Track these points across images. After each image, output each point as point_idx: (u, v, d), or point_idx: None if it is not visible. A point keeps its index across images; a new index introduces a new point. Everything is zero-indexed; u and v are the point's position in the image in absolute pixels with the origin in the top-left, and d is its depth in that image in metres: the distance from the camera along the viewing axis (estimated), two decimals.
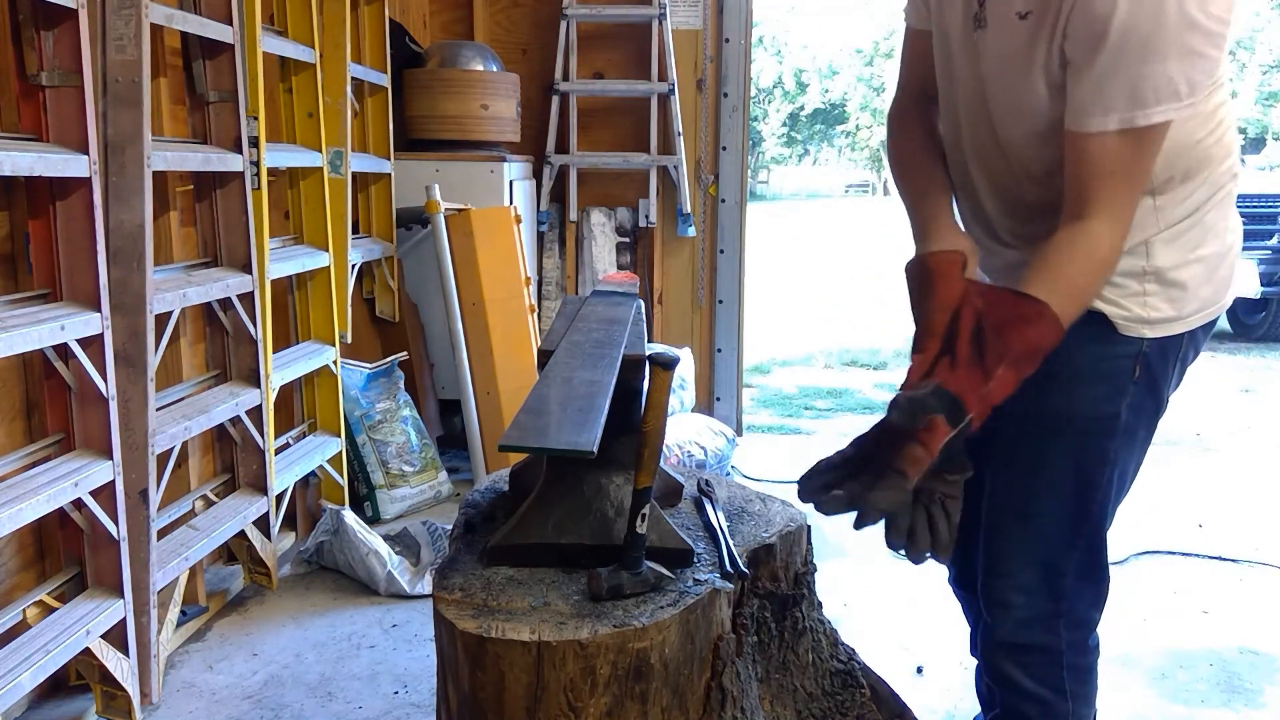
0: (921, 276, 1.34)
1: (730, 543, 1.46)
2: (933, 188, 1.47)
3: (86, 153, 1.94)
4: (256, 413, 2.67)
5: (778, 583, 1.54)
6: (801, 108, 42.02)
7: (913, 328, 1.35)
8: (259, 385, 2.67)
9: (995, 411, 1.31)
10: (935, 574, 3.11)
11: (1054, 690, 1.51)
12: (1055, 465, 1.46)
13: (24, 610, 2.01)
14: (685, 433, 3.66)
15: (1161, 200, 1.37)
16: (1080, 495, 1.45)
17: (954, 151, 1.52)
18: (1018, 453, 1.48)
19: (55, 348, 1.97)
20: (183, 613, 2.53)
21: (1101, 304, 1.38)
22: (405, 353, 3.79)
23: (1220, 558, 3.23)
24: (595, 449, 1.16)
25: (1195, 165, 1.36)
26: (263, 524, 2.75)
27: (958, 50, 1.42)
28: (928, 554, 1.29)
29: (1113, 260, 1.29)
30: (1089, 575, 1.51)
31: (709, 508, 1.61)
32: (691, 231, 4.37)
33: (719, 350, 4.50)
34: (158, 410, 2.26)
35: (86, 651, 2.02)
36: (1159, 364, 1.41)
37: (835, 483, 1.26)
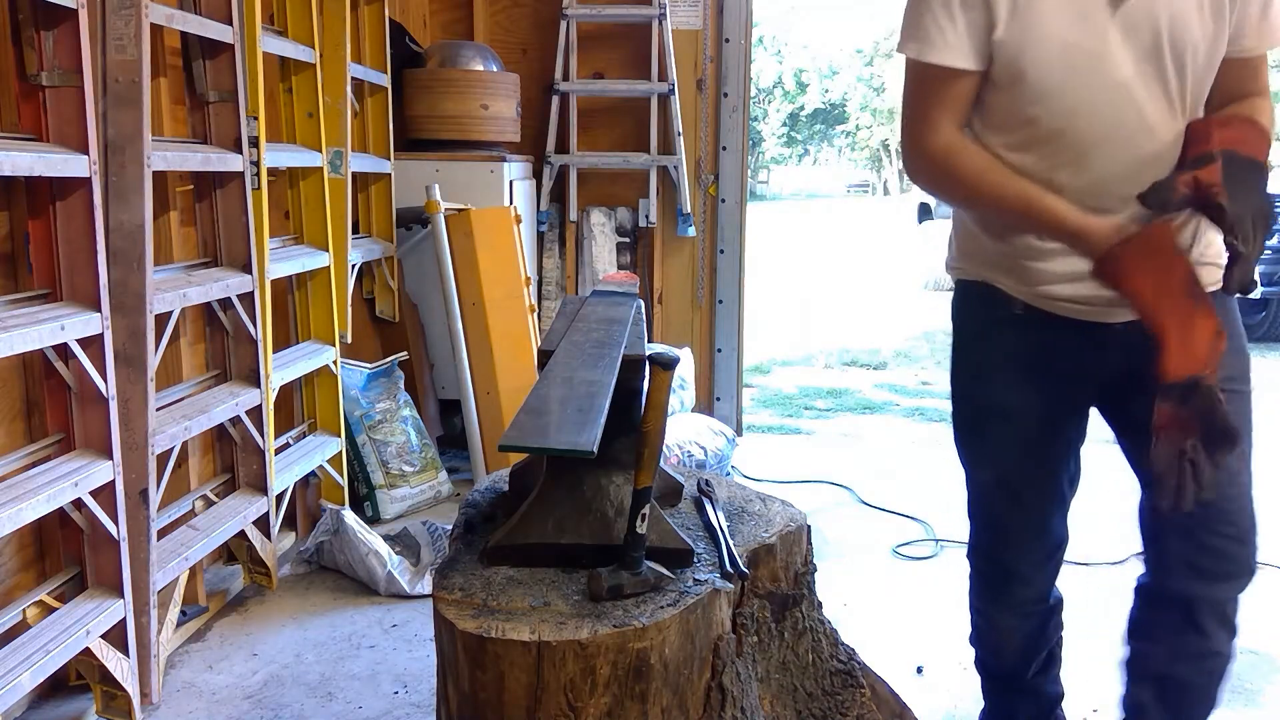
0: (1147, 252, 1.44)
1: (730, 543, 1.46)
2: (1033, 186, 1.54)
3: (86, 153, 1.94)
4: (256, 413, 2.67)
5: (778, 583, 1.54)
6: (801, 108, 42.03)
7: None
8: (259, 385, 2.67)
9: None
10: (935, 574, 3.12)
11: (1230, 623, 1.72)
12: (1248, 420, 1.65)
13: (24, 610, 2.01)
14: (685, 433, 3.66)
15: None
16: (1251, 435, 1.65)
17: (1077, 176, 1.54)
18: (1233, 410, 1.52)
19: (55, 348, 1.97)
20: (183, 613, 2.53)
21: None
22: (405, 353, 3.79)
23: None
24: (595, 449, 1.16)
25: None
26: (263, 524, 2.75)
27: (1095, 44, 1.47)
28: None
29: None
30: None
31: (709, 508, 1.61)
32: (691, 231, 4.37)
33: (719, 350, 4.50)
34: (158, 410, 2.26)
35: (86, 651, 2.02)
36: None
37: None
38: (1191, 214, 1.49)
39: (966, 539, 1.88)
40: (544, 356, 1.51)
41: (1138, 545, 3.45)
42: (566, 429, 1.22)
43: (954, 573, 3.10)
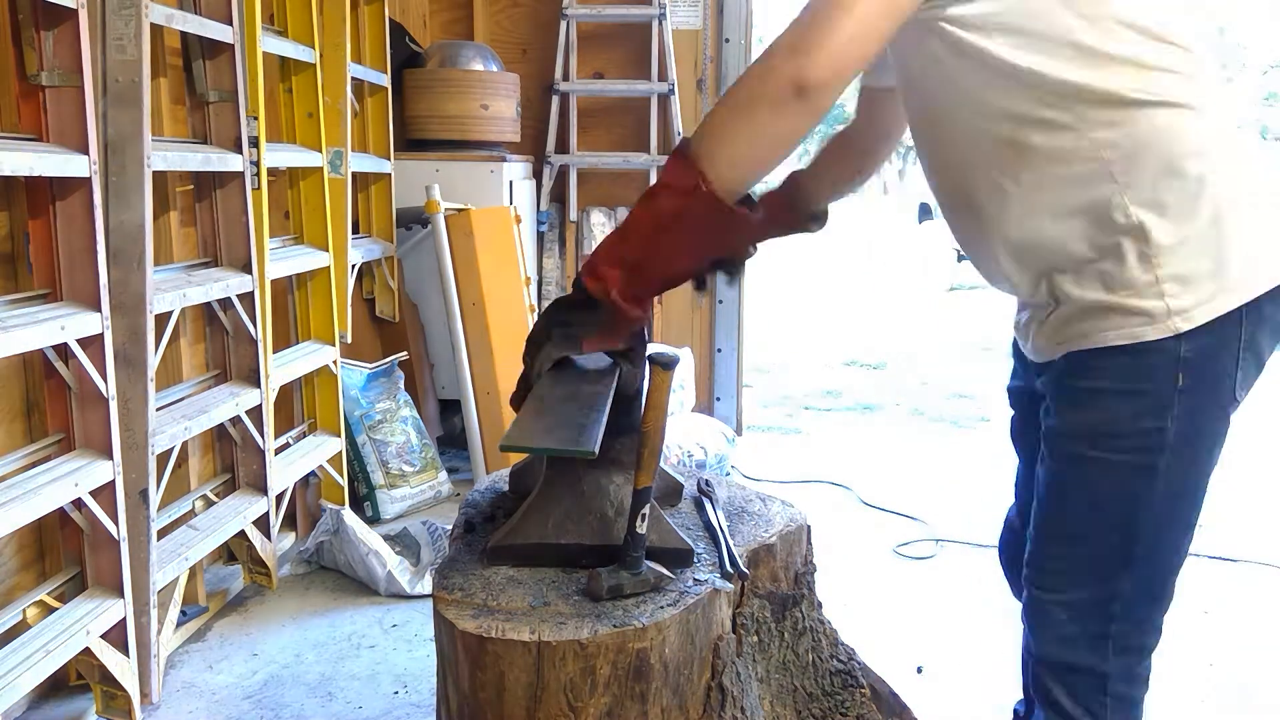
0: None
1: (730, 543, 1.46)
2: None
3: (86, 153, 1.94)
4: (256, 413, 2.67)
5: (778, 583, 1.54)
6: None
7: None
8: (259, 385, 2.67)
9: (1045, 429, 1.31)
10: (935, 574, 3.12)
11: (1094, 716, 1.37)
12: (1098, 485, 1.30)
13: (24, 610, 2.01)
14: (685, 433, 3.66)
15: (1116, 164, 1.20)
16: (1128, 517, 1.30)
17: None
18: (1060, 471, 1.34)
19: (55, 348, 1.97)
20: (183, 613, 2.53)
21: (1116, 319, 1.22)
22: (405, 353, 3.79)
23: (1220, 558, 3.23)
24: (596, 449, 1.16)
25: (1119, 103, 1.18)
26: (263, 524, 2.75)
27: None
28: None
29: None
30: (1143, 599, 1.35)
31: (709, 508, 1.61)
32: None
33: (719, 350, 4.50)
34: (158, 410, 2.26)
35: (86, 651, 2.02)
36: (1207, 362, 1.21)
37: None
38: None
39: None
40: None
41: None
42: (567, 429, 1.22)
43: (954, 573, 3.10)
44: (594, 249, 1.26)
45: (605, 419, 1.25)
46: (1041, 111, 1.20)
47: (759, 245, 1.58)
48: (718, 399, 4.53)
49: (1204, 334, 1.20)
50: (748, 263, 1.57)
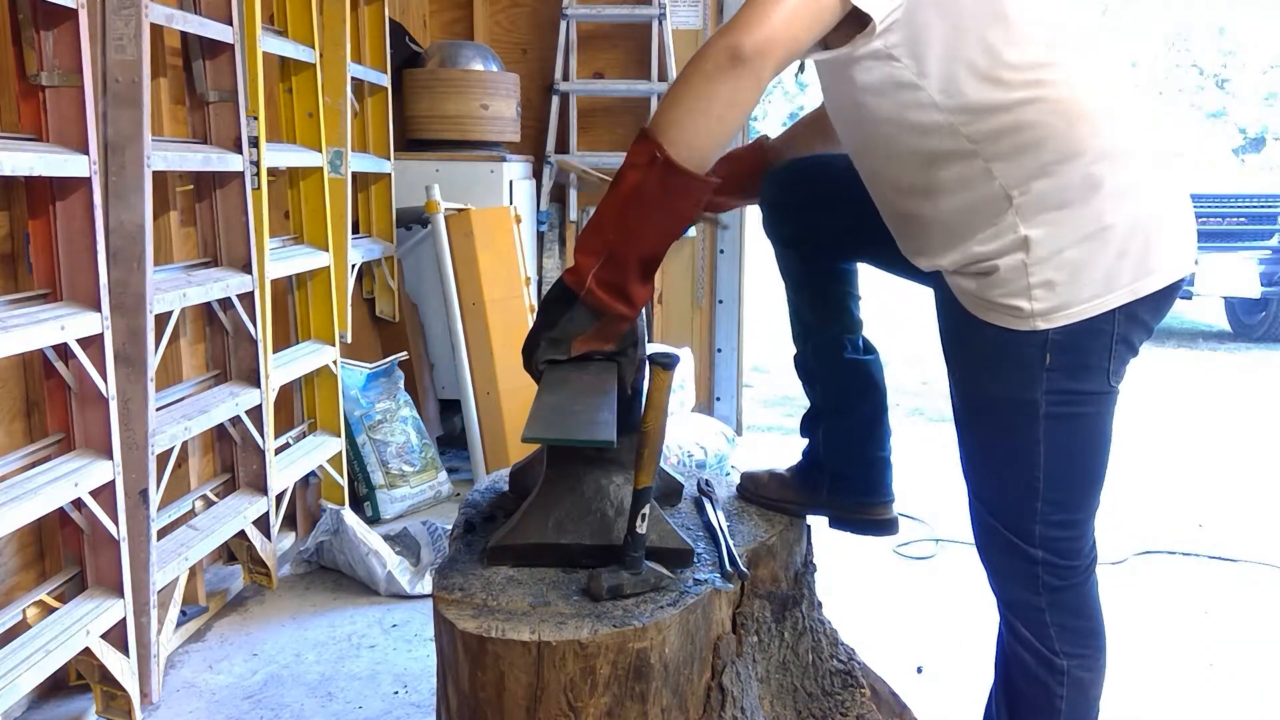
0: None
1: (730, 543, 1.46)
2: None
3: (86, 153, 1.94)
4: (256, 413, 2.67)
5: (778, 583, 1.54)
6: (801, 108, 41.98)
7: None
8: (259, 385, 2.67)
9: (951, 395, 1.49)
10: (935, 574, 3.12)
11: (1046, 647, 1.51)
12: (991, 447, 1.48)
13: (24, 610, 2.01)
14: (685, 433, 3.65)
15: (1005, 175, 1.33)
16: (1021, 476, 1.44)
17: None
18: (963, 436, 1.52)
19: (55, 348, 1.97)
20: (183, 613, 2.52)
21: (991, 311, 1.38)
22: (405, 353, 3.79)
23: (1220, 558, 3.23)
24: (615, 440, 1.17)
25: (1033, 137, 1.31)
26: (263, 524, 2.75)
27: None
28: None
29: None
30: (1061, 548, 1.48)
31: (709, 508, 1.61)
32: (691, 231, 4.36)
33: (719, 350, 4.50)
34: (158, 410, 2.26)
35: (86, 651, 2.02)
36: (1074, 350, 1.36)
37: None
38: None
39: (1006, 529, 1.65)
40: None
41: (1139, 545, 3.45)
42: (586, 422, 1.22)
43: (954, 573, 3.10)
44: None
45: (615, 410, 1.26)
46: (946, 145, 1.33)
47: (725, 214, 1.65)
48: (718, 399, 4.53)
49: (1073, 326, 1.35)
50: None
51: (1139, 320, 1.39)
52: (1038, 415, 1.40)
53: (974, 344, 1.43)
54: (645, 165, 1.30)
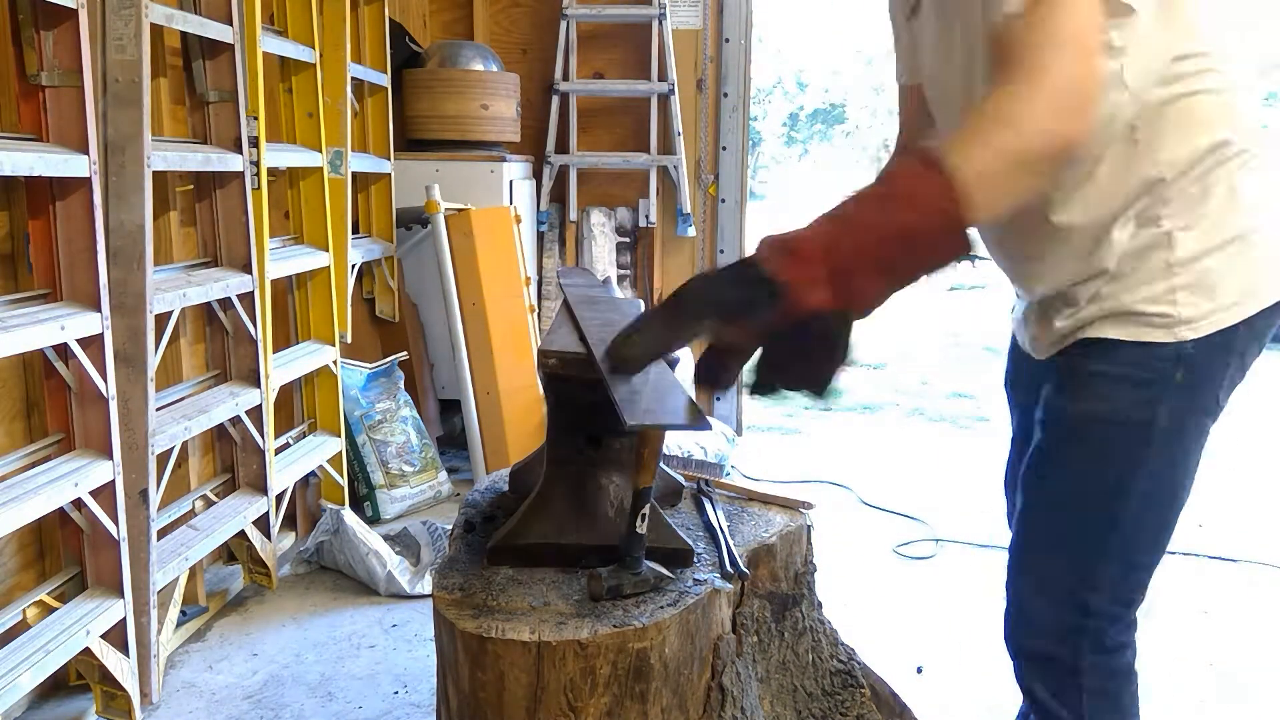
0: None
1: (730, 543, 1.46)
2: None
3: (86, 153, 1.94)
4: (256, 413, 2.67)
5: (778, 583, 1.54)
6: (801, 107, 42.02)
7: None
8: (259, 385, 2.67)
9: (1044, 402, 1.37)
10: (935, 574, 3.12)
11: (1072, 711, 1.40)
12: (1083, 470, 1.35)
13: (24, 610, 2.01)
14: (685, 433, 3.65)
15: (1162, 175, 1.27)
16: (1111, 504, 1.34)
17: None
18: (1049, 453, 1.39)
19: (55, 348, 1.97)
20: (183, 613, 2.53)
21: (1130, 324, 1.30)
22: (405, 353, 3.79)
23: (1220, 558, 3.23)
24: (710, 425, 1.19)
25: (1186, 130, 1.26)
26: (263, 524, 2.75)
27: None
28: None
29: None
30: (1118, 593, 1.38)
31: (709, 508, 1.61)
32: (691, 231, 4.37)
33: None
34: (158, 410, 2.26)
35: (86, 651, 2.02)
36: (1205, 365, 1.29)
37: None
38: None
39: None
40: (545, 356, 1.50)
41: None
42: (679, 409, 1.22)
43: (954, 573, 3.10)
44: (788, 231, 1.04)
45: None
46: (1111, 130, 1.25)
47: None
48: (718, 399, 4.53)
49: (1209, 338, 1.28)
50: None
51: (1258, 333, 1.31)
52: (1151, 437, 1.31)
53: (1096, 359, 1.32)
54: (933, 212, 1.04)
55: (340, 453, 3.20)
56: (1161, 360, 1.28)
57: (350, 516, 2.96)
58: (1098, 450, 1.34)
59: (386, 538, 3.00)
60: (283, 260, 2.85)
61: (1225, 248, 1.28)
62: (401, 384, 3.70)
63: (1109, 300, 1.31)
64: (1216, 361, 1.30)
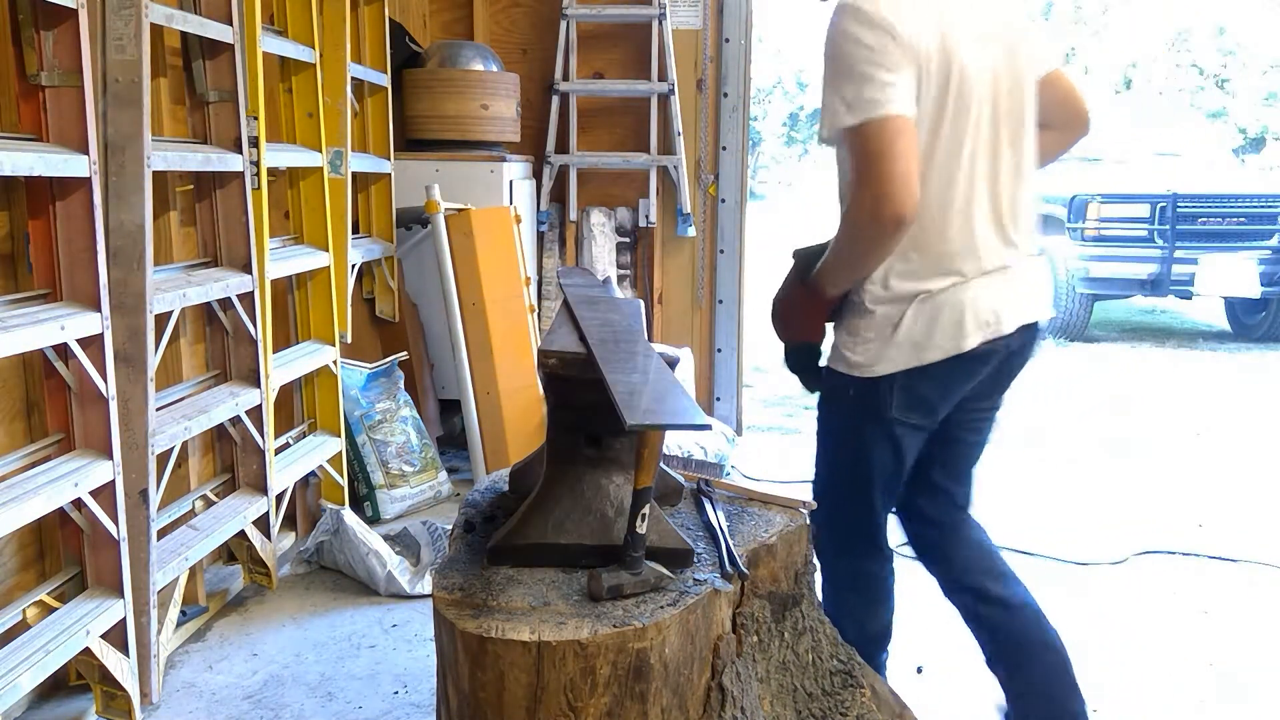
0: None
1: (730, 543, 1.46)
2: None
3: (86, 153, 1.94)
4: (256, 413, 2.67)
5: (778, 583, 1.54)
6: (801, 107, 41.99)
7: None
8: (259, 385, 2.67)
9: None
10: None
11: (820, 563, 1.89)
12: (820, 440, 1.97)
13: (24, 610, 2.01)
14: (685, 433, 3.65)
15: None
16: (833, 465, 1.93)
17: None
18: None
19: (55, 348, 1.97)
20: (183, 613, 2.53)
21: (834, 355, 1.84)
22: (405, 353, 3.79)
23: (1220, 558, 3.23)
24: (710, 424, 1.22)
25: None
26: (263, 524, 2.75)
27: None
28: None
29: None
30: (834, 521, 1.87)
31: (709, 508, 1.61)
32: (691, 231, 4.37)
33: (719, 350, 4.50)
34: (158, 410, 2.26)
35: (86, 651, 2.02)
36: (870, 393, 1.77)
37: None
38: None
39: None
40: (545, 356, 1.50)
41: (1138, 545, 3.45)
42: (679, 409, 1.23)
43: None
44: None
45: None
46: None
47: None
48: (718, 399, 4.53)
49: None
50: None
51: (920, 380, 1.78)
52: (833, 429, 1.97)
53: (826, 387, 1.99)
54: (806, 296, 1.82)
55: (340, 453, 3.20)
56: (845, 382, 1.82)
57: (350, 516, 2.96)
58: (823, 433, 1.98)
59: (386, 538, 3.00)
60: (283, 260, 2.85)
61: (893, 317, 1.76)
62: (401, 384, 3.70)
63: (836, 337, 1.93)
64: (878, 393, 1.77)
